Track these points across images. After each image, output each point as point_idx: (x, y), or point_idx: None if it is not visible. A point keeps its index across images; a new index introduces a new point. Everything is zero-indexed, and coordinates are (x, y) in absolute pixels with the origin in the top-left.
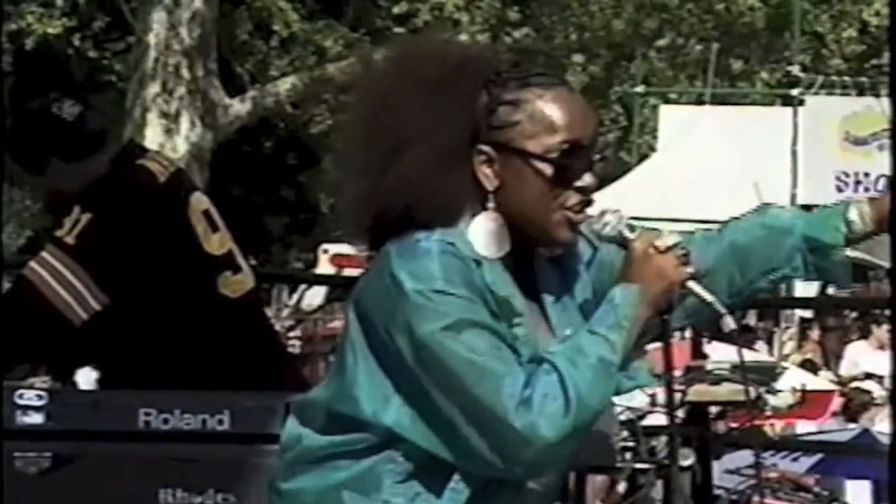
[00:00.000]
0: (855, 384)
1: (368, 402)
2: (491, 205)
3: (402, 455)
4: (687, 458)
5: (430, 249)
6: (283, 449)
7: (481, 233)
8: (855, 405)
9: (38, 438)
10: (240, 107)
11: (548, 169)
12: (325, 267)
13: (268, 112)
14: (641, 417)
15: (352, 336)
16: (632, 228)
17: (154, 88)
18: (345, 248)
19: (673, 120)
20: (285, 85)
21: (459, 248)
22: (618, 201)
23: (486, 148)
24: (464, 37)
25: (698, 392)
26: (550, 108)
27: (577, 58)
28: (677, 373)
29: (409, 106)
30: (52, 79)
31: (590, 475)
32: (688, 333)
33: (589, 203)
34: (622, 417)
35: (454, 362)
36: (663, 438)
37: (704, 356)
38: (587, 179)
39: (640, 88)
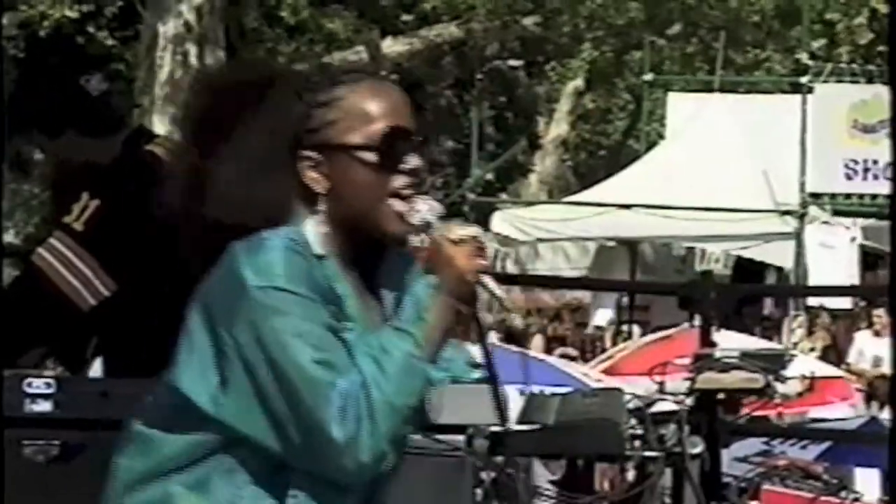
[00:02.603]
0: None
1: (205, 395)
2: (321, 207)
3: (242, 450)
4: (696, 446)
5: (276, 245)
6: (126, 446)
7: (312, 236)
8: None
9: (47, 426)
10: None
11: (372, 157)
12: None
13: None
14: (650, 405)
15: (191, 330)
16: (439, 219)
17: (162, 76)
18: None
19: (681, 108)
20: None
21: (304, 244)
22: (626, 189)
23: (308, 153)
24: (474, 25)
25: (707, 380)
26: (364, 100)
27: (586, 45)
28: (686, 360)
29: (221, 124)
30: (75, 56)
31: (598, 463)
32: (697, 321)
33: (418, 185)
34: (630, 405)
35: (287, 365)
36: (672, 426)
37: (713, 344)
38: (413, 161)
39: (648, 76)
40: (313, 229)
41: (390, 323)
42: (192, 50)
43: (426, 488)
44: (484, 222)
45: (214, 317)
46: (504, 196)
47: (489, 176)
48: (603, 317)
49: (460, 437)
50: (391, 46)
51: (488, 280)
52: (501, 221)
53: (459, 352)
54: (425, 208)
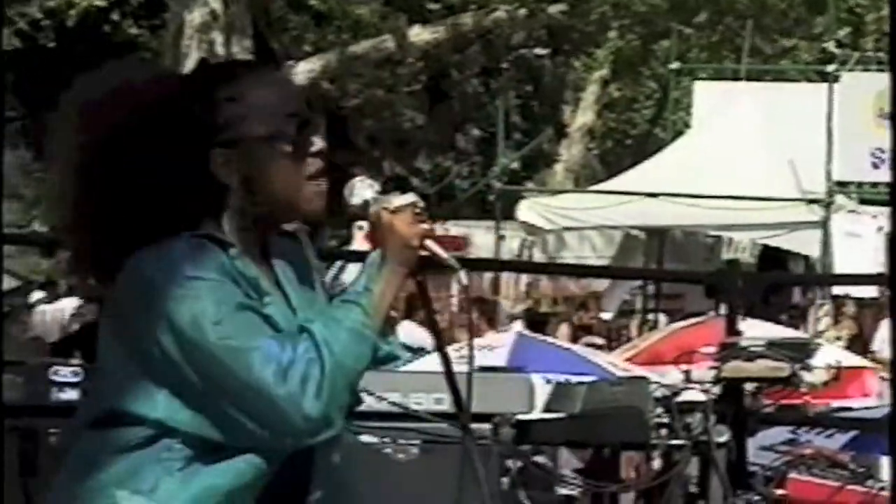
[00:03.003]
0: None
1: (135, 400)
2: (234, 201)
3: (177, 443)
4: (722, 435)
5: (177, 242)
6: (58, 460)
7: (226, 231)
8: None
9: (73, 415)
10: None
11: (285, 145)
12: (359, 244)
13: (301, 89)
14: (676, 394)
15: (107, 340)
16: (377, 194)
17: (189, 65)
18: None
19: (707, 96)
20: (319, 61)
21: (207, 239)
22: (652, 178)
23: (220, 150)
24: (500, 13)
25: (733, 369)
26: (265, 90)
27: (612, 34)
28: (712, 349)
29: (125, 140)
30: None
31: (624, 452)
32: (722, 310)
33: (325, 167)
34: (656, 394)
35: (211, 346)
36: (698, 415)
37: (739, 333)
38: (318, 144)
39: (674, 65)
40: (227, 224)
41: (341, 296)
42: (219, 39)
43: (452, 477)
44: (510, 211)
45: (129, 322)
46: (530, 185)
47: (515, 165)
48: (611, 305)
49: (486, 426)
50: (418, 34)
51: (431, 244)
52: (528, 210)
53: (393, 333)
54: (362, 186)
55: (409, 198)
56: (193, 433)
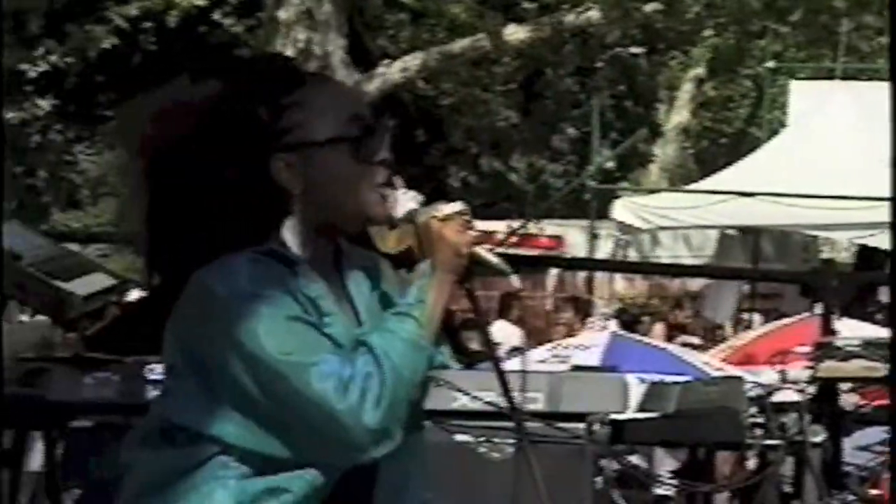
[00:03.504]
0: None
1: (194, 416)
2: (297, 207)
3: (233, 460)
4: (817, 435)
5: (239, 259)
6: (118, 473)
7: (290, 237)
8: None
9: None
10: (368, 85)
11: (346, 149)
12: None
13: (396, 88)
14: (771, 394)
15: (171, 357)
16: (422, 205)
17: None
18: (477, 224)
19: (803, 95)
20: (415, 60)
21: (271, 255)
22: (748, 177)
23: (281, 155)
24: (594, 13)
25: (828, 368)
26: (330, 97)
27: (708, 32)
28: (807, 349)
29: (185, 153)
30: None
31: (718, 452)
32: (818, 310)
33: (392, 177)
34: (751, 394)
35: (272, 361)
36: (793, 415)
37: (834, 332)
38: (383, 154)
39: (770, 64)
40: (291, 230)
41: (391, 310)
42: (314, 37)
43: (546, 477)
44: (604, 210)
45: (191, 337)
46: (625, 184)
47: (610, 164)
48: (719, 312)
49: (581, 426)
50: (513, 33)
51: (481, 250)
52: (622, 209)
53: (444, 343)
54: (405, 198)
55: (457, 206)
56: (252, 449)
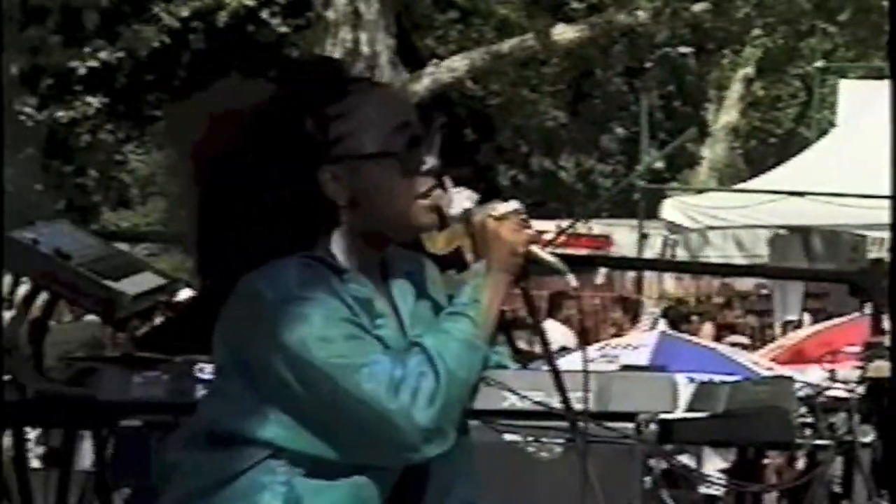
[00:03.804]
0: None
1: (243, 419)
2: (344, 219)
3: (283, 464)
4: (867, 435)
5: (288, 263)
6: (164, 473)
7: (337, 248)
8: None
9: None
10: (416, 85)
11: (393, 163)
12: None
13: (445, 88)
14: (820, 393)
15: (220, 359)
16: (477, 204)
17: None
18: None
19: (853, 95)
20: (464, 60)
21: (319, 262)
22: (797, 177)
23: (328, 167)
24: (643, 13)
25: (878, 368)
26: (374, 105)
27: (757, 32)
28: (856, 349)
29: (234, 158)
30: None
31: (768, 451)
32: (867, 309)
33: (439, 185)
34: (801, 394)
35: (321, 364)
36: (843, 415)
37: (884, 332)
38: (431, 162)
39: (819, 63)
40: (338, 241)
41: (448, 308)
42: (363, 37)
43: (595, 476)
44: (653, 210)
45: (240, 340)
46: (674, 184)
47: (659, 164)
48: (786, 310)
49: (630, 425)
50: (562, 33)
51: (537, 249)
52: (671, 209)
53: (501, 343)
54: (460, 197)
55: (513, 204)
56: (303, 452)
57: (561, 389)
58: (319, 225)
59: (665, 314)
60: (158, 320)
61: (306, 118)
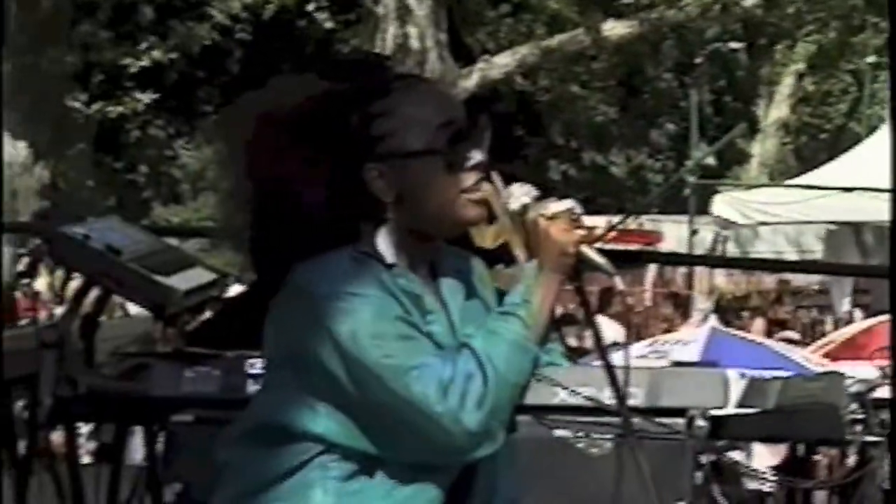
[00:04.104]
0: None
1: (294, 414)
2: (390, 216)
3: (334, 460)
4: None
5: (340, 258)
6: (217, 471)
7: (384, 245)
8: None
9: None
10: (466, 80)
11: (437, 160)
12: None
13: (495, 83)
14: (872, 389)
15: (271, 352)
16: (536, 200)
17: None
18: None
19: None
20: (514, 56)
21: (368, 256)
22: (848, 172)
23: (373, 164)
24: (692, 9)
25: None
26: (420, 105)
27: (809, 28)
28: None
29: (284, 156)
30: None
31: (819, 448)
32: None
33: (485, 178)
34: (852, 390)
35: (371, 363)
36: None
37: None
38: (477, 157)
39: (871, 59)
40: (385, 238)
41: (496, 309)
42: (412, 32)
43: (644, 471)
44: (704, 205)
45: (290, 334)
46: (724, 179)
47: (709, 159)
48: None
49: (680, 421)
50: (612, 29)
51: (588, 250)
52: (722, 204)
53: (554, 339)
54: (521, 192)
55: (566, 204)
56: (354, 448)
57: (614, 385)
58: (366, 222)
59: (716, 310)
60: (208, 315)
61: (351, 116)
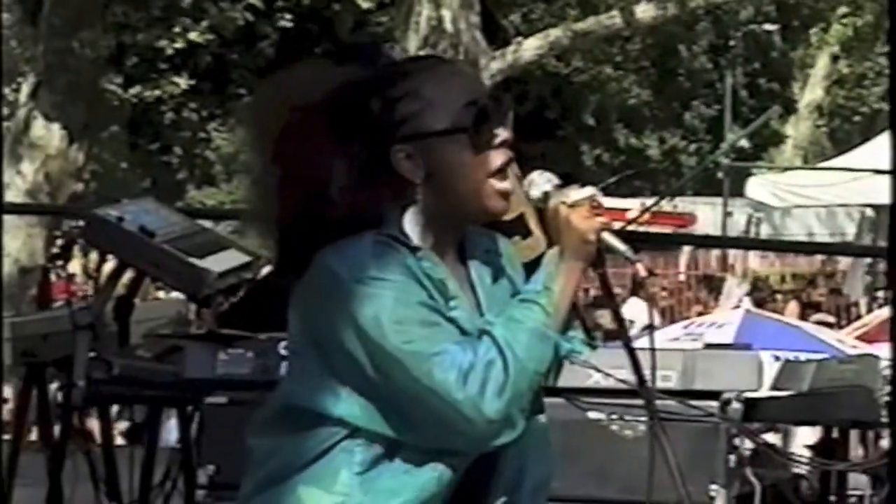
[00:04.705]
0: None
1: (318, 397)
2: (419, 197)
3: (358, 444)
4: None
5: (364, 241)
6: (248, 454)
7: (411, 227)
8: None
9: None
10: (499, 62)
11: (463, 138)
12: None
13: (528, 66)
14: None
15: (295, 336)
16: (557, 188)
17: (414, 42)
18: (607, 201)
19: None
20: (547, 38)
21: (393, 240)
22: (882, 155)
23: (400, 146)
24: None
25: None
26: (439, 83)
27: (843, 10)
28: None
29: (312, 143)
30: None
31: (853, 430)
32: None
33: (513, 159)
34: (886, 372)
35: (393, 349)
36: None
37: None
38: (503, 134)
39: None
40: (412, 220)
41: (519, 295)
42: (446, 15)
43: (680, 454)
44: (738, 188)
45: (313, 317)
46: (758, 162)
47: (743, 142)
48: (854, 289)
49: (714, 403)
50: (646, 11)
51: (609, 237)
52: (756, 186)
53: (576, 328)
54: (542, 180)
55: (587, 191)
56: (378, 433)
57: (636, 368)
58: (393, 205)
59: (749, 292)
60: (236, 299)
61: (373, 101)
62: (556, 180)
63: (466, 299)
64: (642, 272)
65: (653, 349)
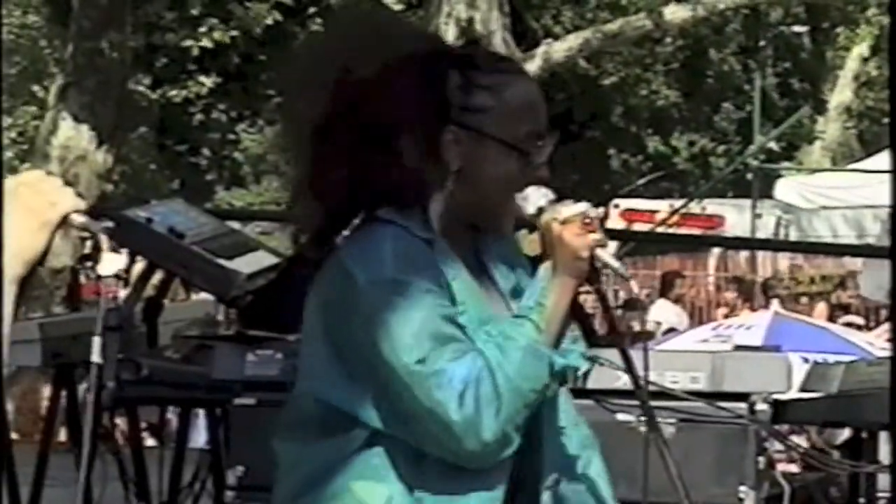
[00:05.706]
0: None
1: (343, 399)
2: (449, 185)
3: (381, 451)
4: None
5: (384, 236)
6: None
7: (434, 212)
8: None
9: None
10: (528, 64)
11: (513, 156)
12: (615, 222)
13: (558, 67)
14: None
15: (312, 333)
16: (551, 203)
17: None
18: (636, 203)
19: None
20: (577, 39)
21: (413, 230)
22: None
23: (455, 128)
24: None
25: None
26: (520, 97)
27: (873, 11)
28: None
29: (387, 91)
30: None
31: (882, 432)
32: None
33: (534, 182)
34: None
35: (401, 368)
36: None
37: None
38: (544, 173)
39: None
40: (437, 205)
41: (510, 311)
42: (476, 16)
43: (708, 456)
44: (767, 189)
45: (331, 316)
46: (787, 163)
47: (773, 144)
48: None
49: (743, 405)
50: (675, 12)
51: (602, 253)
52: (785, 188)
53: (576, 341)
54: (537, 195)
55: (580, 207)
56: (398, 437)
57: (630, 371)
58: (427, 180)
59: (778, 294)
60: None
61: (454, 74)
62: (550, 195)
63: (481, 299)
64: (635, 290)
65: (646, 350)
